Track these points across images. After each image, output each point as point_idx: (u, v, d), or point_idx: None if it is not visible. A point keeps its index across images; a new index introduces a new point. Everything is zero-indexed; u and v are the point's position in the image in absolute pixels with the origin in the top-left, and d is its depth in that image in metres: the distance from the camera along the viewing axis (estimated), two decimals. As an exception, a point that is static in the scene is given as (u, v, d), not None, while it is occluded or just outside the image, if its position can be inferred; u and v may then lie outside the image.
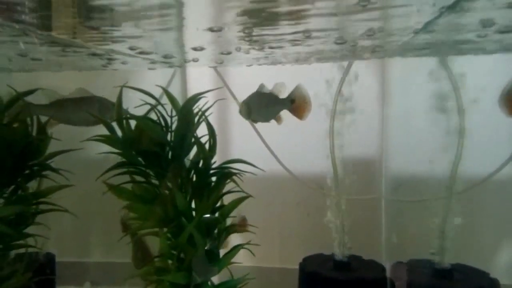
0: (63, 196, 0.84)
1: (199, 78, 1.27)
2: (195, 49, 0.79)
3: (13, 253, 0.85)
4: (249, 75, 1.24)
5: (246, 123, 1.28)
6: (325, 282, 1.00)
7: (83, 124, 0.83)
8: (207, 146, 0.81)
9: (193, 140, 0.78)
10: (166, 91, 0.79)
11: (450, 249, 1.01)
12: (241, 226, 0.78)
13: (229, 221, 0.80)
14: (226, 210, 0.79)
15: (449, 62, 1.03)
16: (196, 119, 0.79)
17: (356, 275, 1.01)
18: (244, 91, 1.24)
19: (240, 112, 0.86)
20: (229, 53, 0.81)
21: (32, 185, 0.83)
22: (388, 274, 1.03)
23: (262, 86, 0.86)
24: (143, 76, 1.24)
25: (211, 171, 0.80)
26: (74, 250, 1.19)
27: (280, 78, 1.34)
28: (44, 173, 0.84)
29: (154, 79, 1.02)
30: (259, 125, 1.24)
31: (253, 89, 1.27)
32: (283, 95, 0.88)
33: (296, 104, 0.85)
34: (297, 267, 1.11)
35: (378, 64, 1.29)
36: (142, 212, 0.77)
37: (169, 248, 0.76)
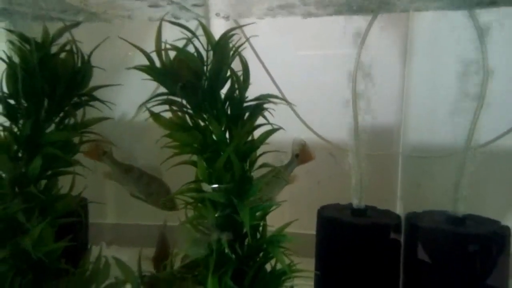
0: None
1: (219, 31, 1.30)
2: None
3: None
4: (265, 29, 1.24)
5: (264, 75, 1.30)
6: (343, 226, 1.05)
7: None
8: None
9: (228, 73, 0.83)
10: (202, 25, 0.83)
11: (464, 201, 1.04)
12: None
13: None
14: (258, 141, 0.84)
15: (477, 15, 1.00)
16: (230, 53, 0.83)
17: (373, 221, 1.06)
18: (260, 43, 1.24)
19: None
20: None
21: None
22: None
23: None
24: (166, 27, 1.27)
25: (245, 104, 0.85)
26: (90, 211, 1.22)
27: (299, 33, 1.34)
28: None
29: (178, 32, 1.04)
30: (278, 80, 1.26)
31: (268, 42, 1.27)
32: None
33: (301, 156, 0.87)
34: (305, 232, 1.15)
35: (402, 18, 1.29)
36: (181, 139, 0.82)
37: (206, 174, 0.82)
